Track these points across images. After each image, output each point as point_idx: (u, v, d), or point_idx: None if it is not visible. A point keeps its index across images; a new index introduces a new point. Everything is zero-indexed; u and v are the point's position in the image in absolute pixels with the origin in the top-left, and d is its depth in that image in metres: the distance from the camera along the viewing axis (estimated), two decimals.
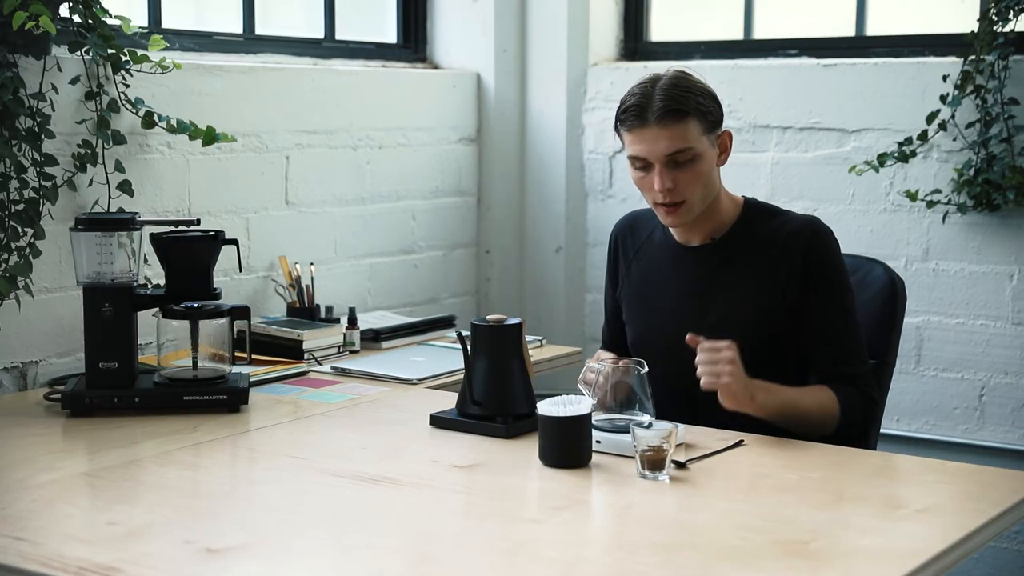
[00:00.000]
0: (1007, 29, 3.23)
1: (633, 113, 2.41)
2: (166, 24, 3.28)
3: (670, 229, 2.55)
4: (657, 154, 2.40)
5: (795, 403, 2.36)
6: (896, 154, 3.39)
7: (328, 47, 3.72)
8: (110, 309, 2.56)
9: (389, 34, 3.99)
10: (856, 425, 2.43)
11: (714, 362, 2.26)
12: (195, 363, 2.63)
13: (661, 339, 2.50)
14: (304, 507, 1.99)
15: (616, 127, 2.47)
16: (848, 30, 3.75)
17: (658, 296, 2.56)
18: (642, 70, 3.88)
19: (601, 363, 2.30)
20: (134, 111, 2.91)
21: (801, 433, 2.36)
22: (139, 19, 3.17)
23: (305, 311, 3.26)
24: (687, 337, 2.30)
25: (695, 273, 2.52)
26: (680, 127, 2.39)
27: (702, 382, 2.27)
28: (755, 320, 2.44)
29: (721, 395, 2.26)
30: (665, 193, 2.41)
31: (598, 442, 2.22)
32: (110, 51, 2.79)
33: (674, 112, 2.38)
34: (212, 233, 2.64)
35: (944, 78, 3.33)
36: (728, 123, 3.69)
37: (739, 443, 2.28)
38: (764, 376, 2.32)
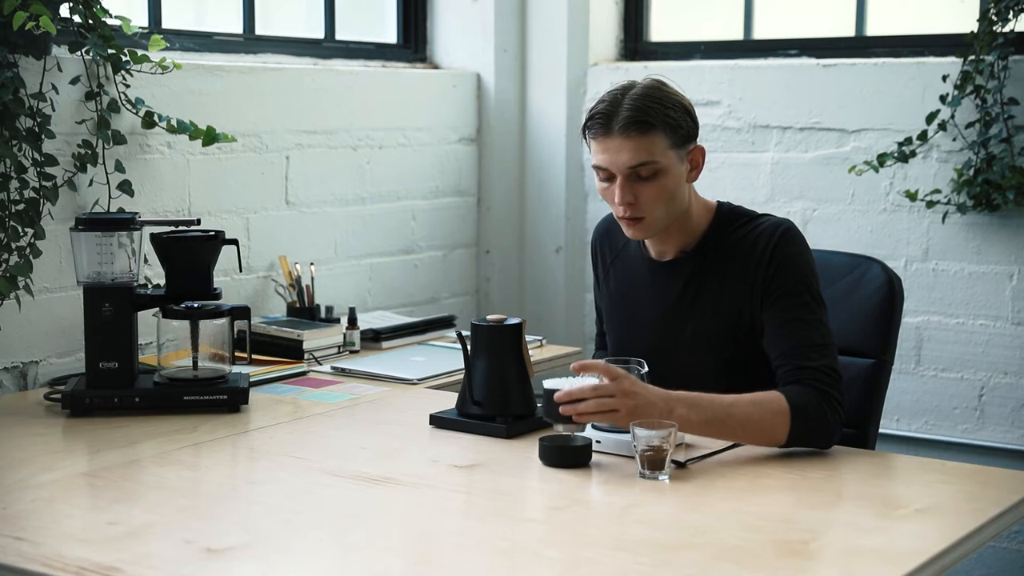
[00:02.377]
0: (1007, 29, 3.23)
1: (599, 121, 2.33)
2: (166, 24, 3.28)
3: (644, 241, 2.49)
4: (619, 166, 2.32)
5: (728, 412, 2.20)
6: (896, 154, 3.39)
7: (328, 47, 3.73)
8: (110, 309, 2.56)
9: (389, 34, 4.00)
10: (815, 427, 2.23)
11: (595, 395, 2.14)
12: (195, 363, 2.63)
13: (638, 354, 2.38)
14: (304, 507, 1.99)
15: (583, 134, 2.39)
16: (848, 30, 3.75)
17: (634, 311, 2.51)
18: (642, 70, 3.88)
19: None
20: (134, 111, 2.91)
21: (751, 443, 2.24)
22: (139, 19, 3.17)
23: (305, 311, 3.26)
24: (571, 366, 2.19)
25: (669, 289, 2.45)
26: (644, 140, 2.30)
27: (594, 418, 2.16)
28: (731, 330, 2.39)
29: (625, 423, 2.15)
30: (626, 207, 2.34)
31: (598, 442, 2.22)
32: (110, 51, 2.79)
33: (639, 124, 2.30)
34: (212, 233, 2.64)
35: (944, 78, 3.34)
36: (728, 123, 3.73)
37: (739, 443, 2.28)
38: (748, 385, 2.27)
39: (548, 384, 2.21)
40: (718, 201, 2.49)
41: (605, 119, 2.33)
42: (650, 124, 2.30)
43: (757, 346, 2.37)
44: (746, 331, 2.38)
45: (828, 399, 2.24)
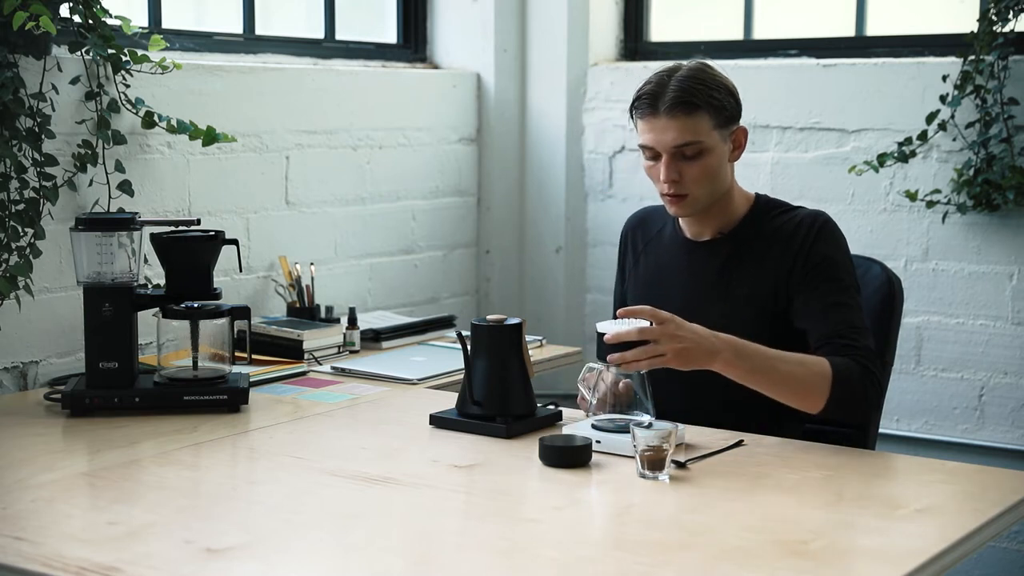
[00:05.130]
0: (1007, 29, 3.23)
1: (646, 101, 2.41)
2: (166, 24, 3.28)
3: (680, 224, 2.56)
4: (664, 145, 2.40)
5: (773, 364, 2.27)
6: (896, 154, 3.39)
7: (328, 47, 3.73)
8: (110, 309, 2.56)
9: (389, 34, 3.99)
10: (855, 396, 2.29)
11: (649, 341, 2.17)
12: (195, 363, 2.63)
13: None
14: (304, 507, 1.99)
15: (630, 114, 2.47)
16: (848, 30, 3.75)
17: (666, 291, 2.55)
18: (642, 70, 3.88)
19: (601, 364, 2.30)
20: (134, 111, 2.91)
21: (790, 401, 2.28)
22: (139, 19, 3.17)
23: (305, 311, 3.26)
24: (605, 336, 2.20)
25: (704, 268, 2.51)
26: (690, 120, 2.39)
27: (641, 364, 2.19)
28: (763, 315, 2.44)
29: (673, 365, 2.21)
30: (670, 184, 2.41)
31: (598, 442, 2.22)
32: (110, 51, 2.79)
33: (685, 104, 2.38)
34: (212, 233, 2.64)
35: (944, 78, 3.34)
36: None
37: (739, 443, 2.28)
38: None
39: (600, 327, 2.25)
40: (756, 192, 2.56)
41: (652, 99, 2.41)
42: (695, 105, 2.39)
43: (787, 332, 2.41)
44: (779, 316, 2.43)
45: (870, 375, 2.32)
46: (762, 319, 2.44)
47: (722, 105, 2.42)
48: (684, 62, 2.46)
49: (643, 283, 2.61)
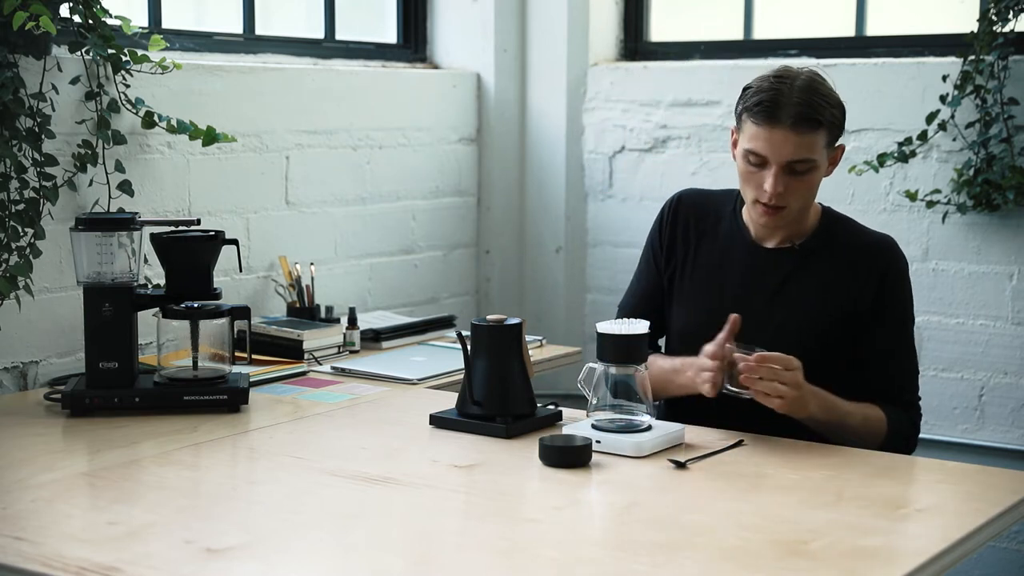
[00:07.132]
0: (1007, 29, 3.23)
1: (767, 107, 2.32)
2: (166, 24, 3.28)
3: (744, 222, 2.51)
4: (780, 157, 2.33)
5: (844, 418, 2.33)
6: (896, 154, 3.39)
7: (328, 47, 3.73)
8: (110, 309, 2.56)
9: (389, 34, 4.00)
10: (898, 449, 2.39)
11: (773, 378, 2.21)
12: (195, 363, 2.63)
13: (719, 332, 2.37)
14: (304, 507, 1.99)
15: (739, 115, 2.39)
16: (848, 30, 3.75)
17: (724, 290, 2.50)
18: (642, 70, 3.88)
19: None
20: (134, 111, 2.91)
21: (843, 444, 2.34)
22: (139, 19, 3.17)
23: (305, 311, 3.26)
24: (754, 356, 2.22)
25: (768, 275, 2.47)
26: (811, 136, 2.33)
27: (752, 392, 2.23)
28: (818, 328, 2.42)
29: (779, 408, 2.24)
30: (774, 196, 2.35)
31: (598, 442, 2.22)
32: (110, 51, 2.79)
33: (809, 121, 2.32)
34: (212, 233, 2.64)
35: (944, 78, 3.34)
36: (728, 123, 3.73)
37: (739, 443, 2.28)
38: (816, 381, 2.30)
39: (600, 327, 2.27)
40: (821, 204, 2.53)
41: (772, 107, 2.33)
42: (819, 122, 2.34)
43: (837, 345, 2.43)
44: (838, 329, 2.43)
45: (916, 431, 2.46)
46: (818, 332, 2.42)
47: (837, 124, 2.38)
48: (794, 67, 2.39)
49: (699, 278, 2.54)
